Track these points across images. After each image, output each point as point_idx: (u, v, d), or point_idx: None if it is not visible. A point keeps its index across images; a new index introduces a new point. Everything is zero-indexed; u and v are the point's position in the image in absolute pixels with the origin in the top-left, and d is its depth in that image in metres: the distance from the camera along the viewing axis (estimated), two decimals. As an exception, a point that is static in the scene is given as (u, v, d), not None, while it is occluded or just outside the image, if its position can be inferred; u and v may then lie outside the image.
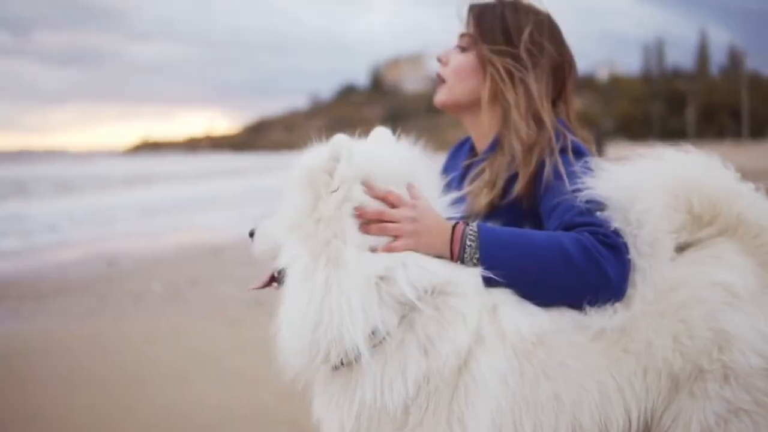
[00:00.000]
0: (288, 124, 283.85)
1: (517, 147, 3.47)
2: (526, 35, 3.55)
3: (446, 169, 3.93)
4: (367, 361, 2.92)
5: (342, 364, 2.98)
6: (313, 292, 2.94)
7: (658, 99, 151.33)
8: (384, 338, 2.92)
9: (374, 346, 2.93)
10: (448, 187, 3.47)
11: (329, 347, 2.93)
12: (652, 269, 3.04)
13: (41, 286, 13.69)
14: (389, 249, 3.00)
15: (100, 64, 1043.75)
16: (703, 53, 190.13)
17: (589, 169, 3.32)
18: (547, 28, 3.63)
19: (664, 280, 3.03)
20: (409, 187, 3.16)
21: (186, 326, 10.56)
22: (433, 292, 2.98)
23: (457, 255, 3.06)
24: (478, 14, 3.66)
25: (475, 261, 3.03)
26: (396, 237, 3.03)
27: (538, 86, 3.53)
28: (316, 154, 3.15)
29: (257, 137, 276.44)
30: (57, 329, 10.51)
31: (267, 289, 3.28)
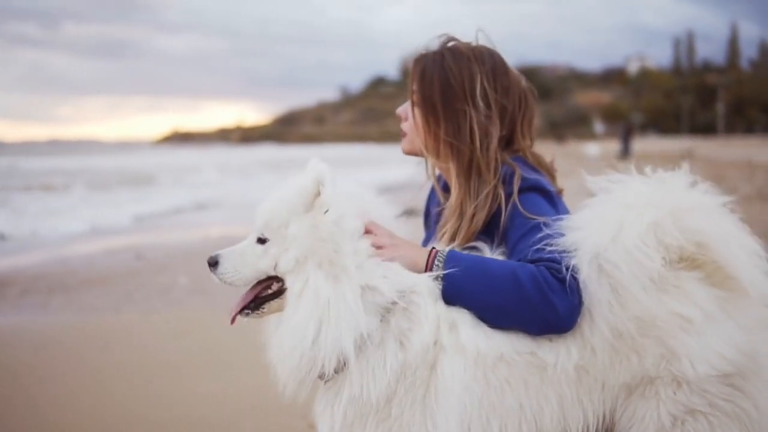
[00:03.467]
0: (318, 116, 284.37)
1: (460, 196, 3.78)
2: (467, 86, 3.74)
3: (430, 202, 4.34)
4: (353, 362, 3.30)
5: (335, 372, 3.36)
6: (313, 309, 3.33)
7: (688, 93, 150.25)
8: (366, 340, 3.31)
9: (359, 347, 3.32)
10: (430, 221, 4.17)
11: (324, 360, 3.32)
12: (616, 304, 3.25)
13: (70, 279, 13.78)
14: (378, 254, 3.45)
15: (128, 55, 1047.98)
16: (733, 47, 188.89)
17: (553, 203, 3.65)
18: (489, 70, 3.79)
19: (626, 311, 3.25)
20: (372, 225, 3.56)
21: (212, 319, 10.53)
22: (404, 293, 3.37)
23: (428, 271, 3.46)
24: (420, 71, 3.85)
25: (439, 281, 3.38)
26: (380, 248, 3.46)
27: (480, 135, 3.73)
28: (298, 182, 3.54)
29: (288, 129, 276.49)
30: (86, 322, 10.65)
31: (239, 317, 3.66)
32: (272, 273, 3.51)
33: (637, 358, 3.25)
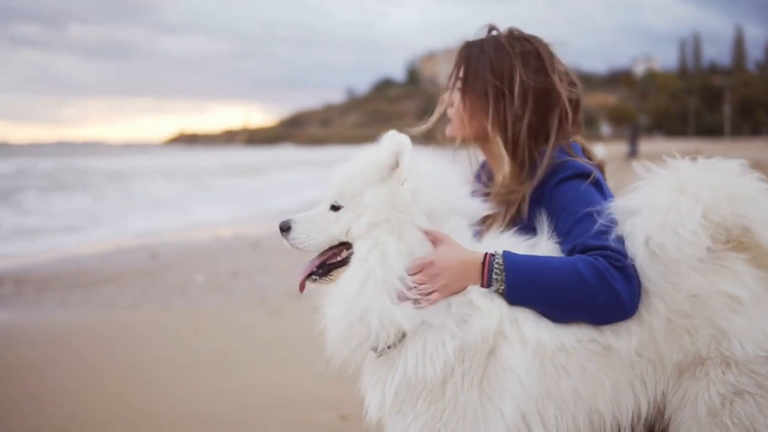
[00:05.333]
0: (324, 117, 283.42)
1: (506, 180, 3.84)
2: (511, 75, 3.81)
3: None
4: (411, 338, 3.36)
5: (388, 347, 3.40)
6: (366, 279, 3.36)
7: (695, 95, 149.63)
8: (426, 319, 3.36)
9: (416, 326, 3.38)
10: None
11: (377, 331, 3.36)
12: (669, 284, 3.34)
13: (86, 277, 13.88)
14: (429, 301, 3.41)
15: (132, 57, 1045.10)
16: (739, 49, 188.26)
17: (601, 190, 3.69)
18: (533, 60, 3.86)
19: (678, 291, 3.33)
20: (428, 234, 3.50)
21: (229, 316, 10.75)
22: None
23: (485, 285, 3.44)
24: (466, 58, 3.93)
25: (501, 291, 3.41)
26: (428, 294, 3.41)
27: (524, 121, 3.81)
28: (374, 153, 3.57)
29: (293, 131, 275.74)
30: (103, 318, 10.74)
31: (307, 282, 3.63)
32: (343, 239, 3.52)
33: (690, 339, 3.32)
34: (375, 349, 3.45)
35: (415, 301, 3.37)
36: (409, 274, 3.39)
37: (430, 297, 3.39)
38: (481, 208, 3.70)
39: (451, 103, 4.02)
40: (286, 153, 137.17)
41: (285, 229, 3.59)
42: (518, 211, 3.81)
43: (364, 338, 3.40)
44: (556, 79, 3.86)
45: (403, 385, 3.40)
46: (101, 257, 16.70)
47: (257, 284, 13.09)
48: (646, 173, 3.52)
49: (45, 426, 6.60)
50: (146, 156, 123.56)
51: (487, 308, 3.39)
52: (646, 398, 3.42)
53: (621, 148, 54.49)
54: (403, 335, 3.39)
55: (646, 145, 55.59)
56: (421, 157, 3.57)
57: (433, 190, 3.52)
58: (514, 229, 3.72)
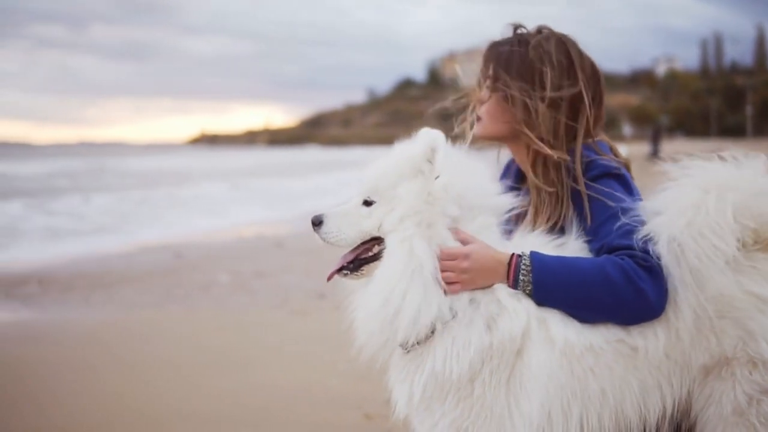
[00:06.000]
0: (345, 118, 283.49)
1: (534, 180, 3.83)
2: (541, 74, 3.79)
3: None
4: (439, 335, 3.40)
5: (417, 344, 3.43)
6: (405, 267, 3.39)
7: (716, 95, 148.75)
8: (455, 316, 3.40)
9: (445, 323, 3.40)
10: None
11: (407, 330, 3.39)
12: (695, 285, 3.33)
13: (109, 276, 13.93)
14: (451, 291, 3.45)
15: (153, 57, 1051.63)
16: (761, 48, 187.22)
17: (629, 189, 3.68)
18: (563, 59, 3.84)
19: (705, 292, 3.31)
20: (457, 235, 3.53)
21: (253, 316, 10.79)
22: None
23: (512, 285, 3.46)
24: (496, 57, 3.91)
25: (528, 291, 3.43)
26: (452, 284, 3.44)
27: (551, 120, 3.79)
28: (409, 148, 3.60)
29: (314, 131, 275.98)
30: (127, 317, 10.81)
31: (335, 277, 3.66)
32: (375, 233, 3.54)
33: (716, 340, 3.32)
34: (403, 346, 3.47)
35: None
36: (441, 260, 3.43)
37: (452, 287, 3.43)
38: (512, 204, 3.71)
39: (481, 101, 4.00)
40: (313, 154, 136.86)
41: (317, 223, 3.61)
42: (553, 211, 3.79)
43: (395, 334, 3.43)
44: (582, 77, 3.85)
45: (431, 382, 3.42)
46: (126, 257, 16.76)
47: (281, 284, 13.12)
48: (673, 172, 3.50)
49: (82, 424, 6.65)
50: (170, 156, 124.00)
51: (515, 308, 3.40)
52: (671, 398, 3.43)
53: (643, 148, 54.33)
54: (432, 332, 3.41)
55: (667, 146, 55.33)
56: (454, 153, 3.62)
57: (466, 185, 3.55)
58: (544, 228, 3.72)
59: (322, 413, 6.78)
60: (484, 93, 3.98)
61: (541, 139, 3.78)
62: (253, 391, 7.45)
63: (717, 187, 3.35)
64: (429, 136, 3.54)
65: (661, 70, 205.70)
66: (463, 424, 3.40)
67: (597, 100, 3.93)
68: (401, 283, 3.38)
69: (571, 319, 3.43)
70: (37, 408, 7.01)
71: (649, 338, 3.37)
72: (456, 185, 3.50)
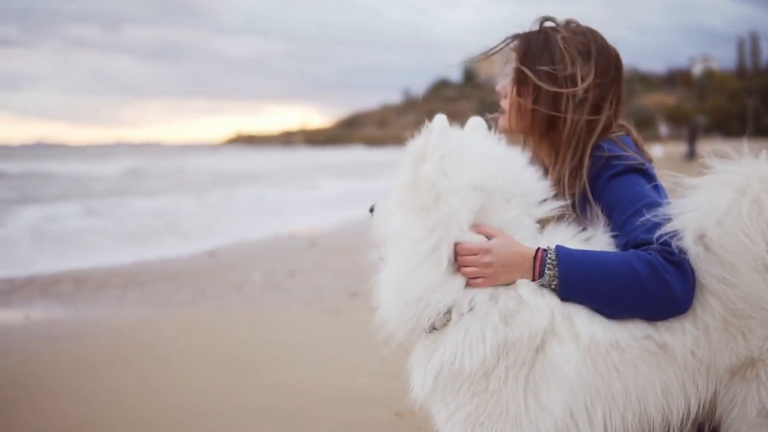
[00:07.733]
0: (381, 119, 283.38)
1: (556, 175, 3.78)
2: (566, 68, 3.73)
3: None
4: (453, 325, 3.36)
5: (435, 328, 3.40)
6: (419, 264, 3.36)
7: (753, 94, 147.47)
8: (472, 308, 3.35)
9: (461, 314, 3.36)
10: None
11: (429, 314, 3.37)
12: (724, 283, 3.27)
13: (143, 275, 14.03)
14: (472, 285, 3.40)
15: (188, 58, 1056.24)
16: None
17: (655, 185, 3.62)
18: (587, 51, 3.79)
19: (734, 290, 3.26)
20: (479, 229, 3.46)
21: (285, 315, 10.84)
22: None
23: (537, 280, 3.41)
24: (520, 49, 3.86)
25: (554, 287, 3.38)
26: (475, 278, 3.40)
27: (575, 114, 3.74)
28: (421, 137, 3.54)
29: (350, 132, 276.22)
30: (160, 316, 10.87)
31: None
32: None
33: (744, 339, 3.27)
34: (427, 328, 3.43)
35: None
36: (461, 255, 3.38)
37: (477, 282, 3.38)
38: (545, 190, 3.63)
39: (506, 94, 3.94)
40: (358, 154, 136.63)
41: (371, 211, 3.71)
42: (572, 206, 3.71)
43: (416, 318, 3.39)
44: (607, 72, 3.80)
45: (442, 372, 3.39)
46: (159, 256, 16.85)
47: (314, 283, 13.15)
48: (706, 169, 3.41)
49: (122, 419, 6.69)
50: (207, 156, 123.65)
51: (537, 304, 3.34)
52: (696, 399, 3.38)
53: (679, 148, 54.10)
54: (448, 320, 3.37)
55: (704, 146, 55.06)
56: (478, 138, 3.62)
57: (492, 174, 3.46)
58: (568, 222, 3.65)
59: (352, 411, 6.79)
60: (506, 85, 3.93)
61: (569, 134, 3.74)
62: (283, 389, 7.47)
63: (752, 189, 3.25)
64: (432, 122, 3.49)
65: (697, 69, 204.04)
66: (479, 419, 3.36)
67: (619, 94, 3.87)
68: (403, 271, 3.38)
69: (597, 315, 3.37)
70: (76, 402, 7.09)
71: (677, 334, 3.31)
72: (465, 166, 3.42)
